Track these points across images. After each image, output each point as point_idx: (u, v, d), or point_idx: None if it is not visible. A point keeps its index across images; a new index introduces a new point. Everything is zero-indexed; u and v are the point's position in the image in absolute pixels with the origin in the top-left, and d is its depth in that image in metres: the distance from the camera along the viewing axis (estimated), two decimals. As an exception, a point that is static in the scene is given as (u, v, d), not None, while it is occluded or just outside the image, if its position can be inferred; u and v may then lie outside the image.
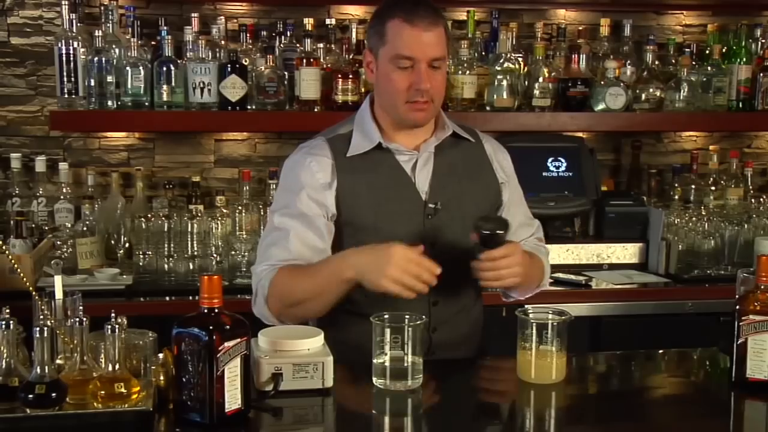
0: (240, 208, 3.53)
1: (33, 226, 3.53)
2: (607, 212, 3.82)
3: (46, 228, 3.59)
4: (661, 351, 2.52)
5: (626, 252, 3.81)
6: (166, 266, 3.43)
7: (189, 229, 3.46)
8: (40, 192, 3.65)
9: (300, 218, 2.33)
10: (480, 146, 2.52)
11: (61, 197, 3.63)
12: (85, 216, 3.55)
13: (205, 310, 1.80)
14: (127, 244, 3.50)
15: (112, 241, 3.51)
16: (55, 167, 3.69)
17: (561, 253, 3.74)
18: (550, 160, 3.84)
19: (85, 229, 3.50)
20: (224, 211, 3.58)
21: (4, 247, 2.08)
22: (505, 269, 2.21)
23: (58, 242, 3.48)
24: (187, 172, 3.89)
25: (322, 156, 2.37)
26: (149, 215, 3.49)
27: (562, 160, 3.85)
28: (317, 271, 2.27)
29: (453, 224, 2.35)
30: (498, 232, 2.19)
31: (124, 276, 3.37)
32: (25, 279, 1.99)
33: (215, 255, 3.43)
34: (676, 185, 4.00)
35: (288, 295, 2.27)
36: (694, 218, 3.79)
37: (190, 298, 3.21)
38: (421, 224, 2.36)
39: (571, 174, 3.84)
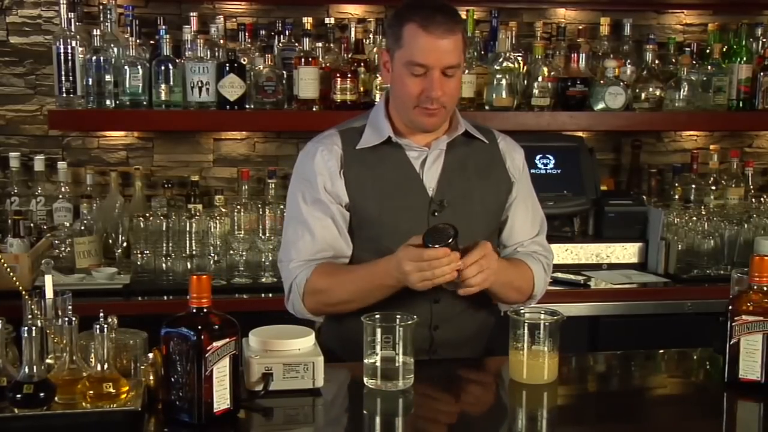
0: (239, 207, 3.51)
1: (32, 225, 3.53)
2: (606, 212, 3.80)
3: (45, 227, 3.59)
4: (655, 351, 2.50)
5: (625, 252, 3.80)
6: (163, 265, 3.43)
7: (187, 229, 3.46)
8: (39, 191, 3.65)
9: (318, 206, 2.36)
10: (494, 145, 2.51)
11: (60, 196, 3.63)
12: (83, 215, 3.55)
13: (194, 310, 1.80)
14: (125, 244, 3.50)
15: (110, 241, 3.51)
16: (54, 166, 3.69)
17: (560, 253, 3.72)
18: (549, 159, 3.83)
19: (83, 228, 3.49)
20: (223, 210, 3.57)
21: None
22: (475, 274, 2.17)
23: (56, 241, 3.48)
24: (186, 171, 3.89)
25: (332, 145, 2.39)
26: (148, 214, 3.48)
27: (561, 160, 3.84)
28: (359, 276, 2.32)
29: (459, 222, 2.30)
30: (438, 245, 2.12)
31: (122, 275, 3.37)
32: (14, 277, 1.99)
33: (213, 254, 3.42)
34: (677, 185, 3.99)
35: (327, 296, 2.33)
36: (694, 218, 3.77)
37: (188, 297, 3.20)
38: (426, 220, 2.35)
39: (570, 173, 3.83)
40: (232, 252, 3.45)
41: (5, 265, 2.04)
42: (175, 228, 3.47)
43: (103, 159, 3.85)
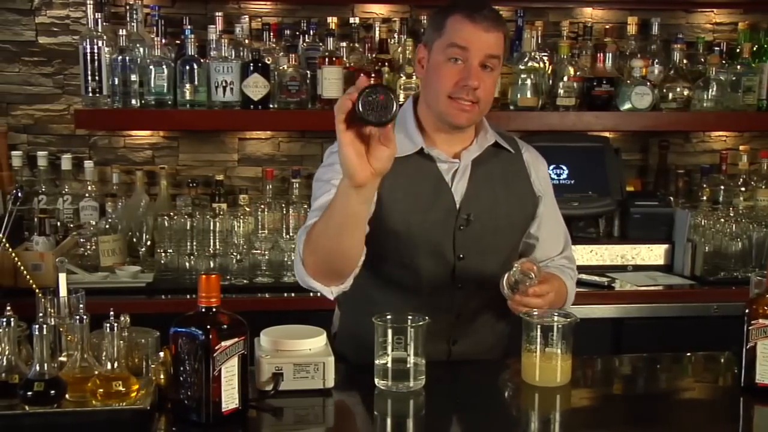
0: (262, 206, 3.52)
1: (58, 223, 3.57)
2: (632, 213, 3.77)
3: (71, 225, 3.63)
4: (670, 354, 2.47)
5: (651, 253, 3.76)
6: (187, 264, 3.44)
7: (211, 228, 3.47)
8: (66, 190, 3.69)
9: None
10: (519, 156, 2.45)
11: (86, 195, 3.66)
12: (108, 214, 3.58)
13: (203, 309, 1.80)
14: (149, 242, 3.53)
15: (134, 239, 3.53)
16: (81, 165, 3.72)
17: (585, 254, 3.70)
18: (574, 160, 3.79)
19: (107, 226, 3.52)
20: (247, 209, 3.58)
21: (3, 241, 2.10)
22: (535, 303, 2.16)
23: (82, 239, 3.52)
24: (211, 170, 3.91)
25: None
26: (172, 213, 3.51)
27: (587, 160, 3.81)
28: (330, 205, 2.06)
29: (484, 236, 2.31)
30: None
31: (145, 273, 3.39)
32: (27, 275, 2.00)
33: (236, 254, 3.43)
34: (705, 186, 3.93)
35: (314, 242, 2.06)
36: (721, 219, 3.72)
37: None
38: (452, 235, 2.30)
39: (595, 174, 3.80)
40: (255, 251, 3.46)
41: (16, 260, 2.06)
42: (200, 227, 3.48)
43: (129, 158, 3.88)
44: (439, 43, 2.25)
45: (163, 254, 3.46)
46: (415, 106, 2.38)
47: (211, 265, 3.43)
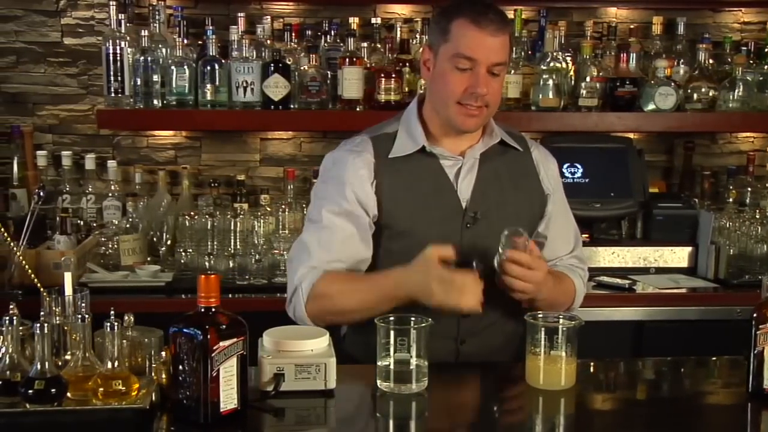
0: (284, 206, 3.53)
1: (81, 222, 3.60)
2: (655, 215, 3.72)
3: (95, 224, 3.66)
4: (681, 358, 2.44)
5: (674, 255, 3.71)
6: (206, 264, 3.45)
7: (232, 228, 3.49)
8: (90, 189, 3.72)
9: (344, 216, 2.29)
10: (527, 155, 2.45)
11: (110, 195, 3.69)
12: (129, 213, 3.61)
13: (202, 309, 1.81)
14: (169, 242, 3.55)
15: (155, 239, 3.55)
16: (105, 165, 3.75)
17: (606, 256, 3.66)
18: (596, 160, 3.75)
19: (128, 226, 3.55)
20: (268, 209, 3.59)
21: (8, 238, 2.12)
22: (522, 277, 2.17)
23: (103, 239, 3.55)
24: (233, 170, 3.93)
25: (365, 153, 2.33)
26: (193, 213, 3.52)
27: (609, 161, 3.76)
28: (367, 286, 2.25)
29: (491, 234, 2.28)
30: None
31: (165, 272, 3.41)
32: (31, 273, 2.02)
33: (255, 253, 3.44)
34: (731, 187, 3.88)
35: (332, 303, 2.25)
36: (747, 222, 3.66)
37: (229, 296, 3.25)
38: (459, 232, 2.31)
39: (617, 175, 3.75)
40: (274, 251, 3.46)
41: (21, 259, 2.08)
42: (220, 227, 3.50)
43: (152, 158, 3.91)
44: (445, 49, 2.24)
45: (183, 254, 3.48)
46: (419, 106, 2.39)
47: (231, 264, 3.43)
